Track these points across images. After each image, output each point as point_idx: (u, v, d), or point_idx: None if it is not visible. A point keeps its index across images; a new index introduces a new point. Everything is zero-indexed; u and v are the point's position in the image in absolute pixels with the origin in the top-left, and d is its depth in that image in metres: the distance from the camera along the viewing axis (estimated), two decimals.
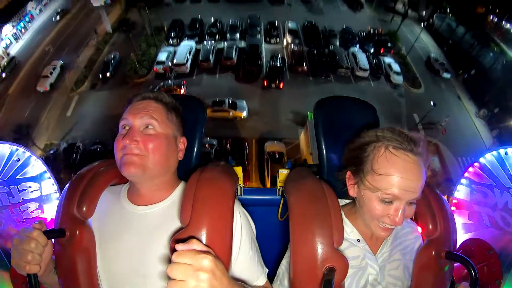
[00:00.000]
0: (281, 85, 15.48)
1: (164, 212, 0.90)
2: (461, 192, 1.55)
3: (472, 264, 0.84)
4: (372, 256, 0.93)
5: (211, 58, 16.45)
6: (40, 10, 25.67)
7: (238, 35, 18.88)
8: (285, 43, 18.70)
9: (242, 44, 18.18)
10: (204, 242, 0.75)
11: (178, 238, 0.74)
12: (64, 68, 17.62)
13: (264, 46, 18.48)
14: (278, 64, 16.35)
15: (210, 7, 22.83)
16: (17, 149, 1.46)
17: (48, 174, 1.51)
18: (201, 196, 0.81)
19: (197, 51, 17.11)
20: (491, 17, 23.61)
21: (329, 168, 1.11)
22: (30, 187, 1.48)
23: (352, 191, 0.91)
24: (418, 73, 18.29)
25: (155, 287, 0.84)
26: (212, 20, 20.09)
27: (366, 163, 0.84)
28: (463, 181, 1.55)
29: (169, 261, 0.61)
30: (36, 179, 1.48)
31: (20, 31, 23.00)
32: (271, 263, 1.06)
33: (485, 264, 1.15)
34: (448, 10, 24.48)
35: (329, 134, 1.13)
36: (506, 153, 1.44)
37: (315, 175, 1.04)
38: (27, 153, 1.48)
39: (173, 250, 0.62)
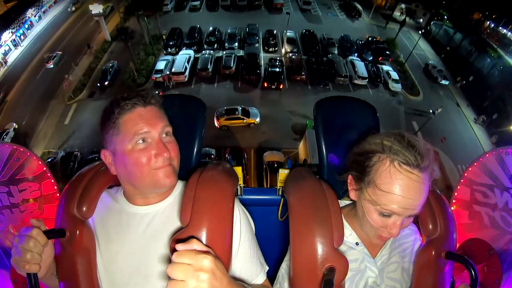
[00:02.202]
0: (281, 87, 15.67)
1: (165, 212, 0.90)
2: (461, 192, 1.54)
3: (472, 264, 0.84)
4: (371, 259, 0.93)
5: (210, 67, 16.41)
6: (40, 17, 26.08)
7: (236, 44, 18.99)
8: (283, 51, 18.83)
9: (241, 53, 18.26)
10: (204, 242, 0.75)
11: (178, 238, 0.74)
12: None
13: (262, 55, 18.59)
14: (277, 69, 16.59)
15: (209, 15, 23.06)
16: (17, 149, 1.46)
17: (48, 174, 1.51)
18: (201, 196, 0.81)
19: (196, 60, 17.03)
20: (488, 23, 24.03)
21: (329, 168, 1.11)
22: (30, 187, 1.47)
23: (352, 195, 0.90)
24: (417, 80, 18.41)
25: (156, 287, 0.84)
26: (211, 28, 20.14)
27: (369, 174, 0.82)
28: (463, 181, 1.54)
29: (169, 261, 0.61)
30: (36, 179, 1.48)
31: (19, 37, 23.22)
32: (271, 263, 1.06)
33: (485, 264, 1.15)
34: (445, 17, 24.88)
35: (329, 134, 1.13)
36: (506, 153, 1.44)
37: (315, 175, 1.04)
38: (27, 153, 1.47)
39: (173, 250, 0.62)
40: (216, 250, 0.71)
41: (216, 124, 13.24)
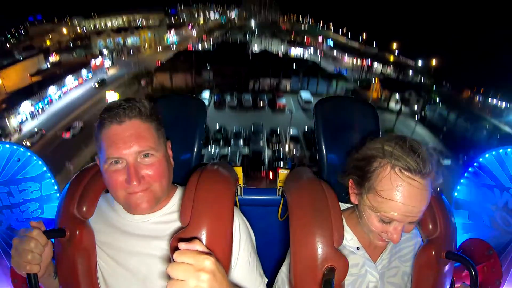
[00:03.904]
0: None
1: (163, 220, 0.89)
2: (461, 192, 1.55)
3: (472, 264, 0.84)
4: (371, 264, 0.93)
5: None
6: (60, 97, 28.40)
7: (241, 142, 19.68)
8: (287, 149, 19.48)
9: (246, 150, 18.93)
10: (204, 243, 0.75)
11: (179, 238, 0.74)
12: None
13: (267, 152, 19.30)
14: (281, 155, 17.75)
15: (216, 114, 24.47)
16: (17, 149, 1.46)
17: (48, 174, 1.51)
18: (201, 196, 0.81)
19: (201, 156, 17.64)
20: (478, 98, 26.22)
21: (329, 168, 1.11)
22: (30, 187, 1.47)
23: (353, 199, 0.89)
24: None
25: (155, 287, 0.84)
26: (218, 126, 21.05)
27: (369, 180, 0.80)
28: (463, 181, 1.54)
29: (169, 261, 0.61)
30: (36, 179, 1.48)
31: (38, 111, 24.74)
32: (271, 264, 1.06)
33: (485, 264, 1.15)
34: (437, 101, 26.70)
35: (329, 134, 1.13)
36: (506, 153, 1.44)
37: (315, 175, 1.04)
38: (28, 153, 1.47)
39: (173, 249, 0.62)
40: (216, 250, 0.71)
41: None
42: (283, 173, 1.25)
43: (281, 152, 18.46)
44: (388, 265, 0.95)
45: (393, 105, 27.22)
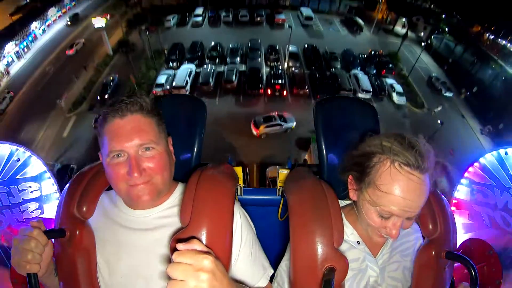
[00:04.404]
0: (285, 93, 15.90)
1: (164, 214, 0.90)
2: (461, 192, 1.55)
3: (472, 264, 0.84)
4: (372, 258, 0.93)
5: (211, 81, 16.30)
6: (44, 31, 26.37)
7: (238, 59, 18.98)
8: (285, 66, 18.85)
9: (243, 67, 18.23)
10: (204, 242, 0.75)
11: (178, 238, 0.74)
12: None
13: (265, 69, 18.63)
14: (279, 72, 16.81)
15: (211, 31, 23.41)
16: (17, 149, 1.46)
17: (48, 174, 1.51)
18: (201, 196, 0.81)
19: (197, 74, 16.94)
20: (487, 35, 24.40)
21: (329, 168, 1.11)
22: (30, 187, 1.47)
23: (352, 195, 0.90)
24: (421, 93, 18.35)
25: (156, 286, 0.84)
26: (213, 43, 20.30)
27: (369, 174, 0.81)
28: (463, 181, 1.55)
29: (170, 261, 0.61)
30: (36, 179, 1.48)
31: (23, 50, 23.39)
32: (271, 263, 1.06)
33: (485, 264, 1.16)
34: (446, 31, 25.23)
35: (329, 134, 1.13)
36: (506, 153, 1.44)
37: (315, 175, 1.04)
38: (27, 153, 1.47)
39: (173, 250, 0.62)
40: (216, 250, 0.71)
41: (254, 133, 12.99)
42: (283, 173, 1.25)
43: (280, 69, 17.74)
44: (389, 260, 0.95)
45: (398, 28, 25.68)
